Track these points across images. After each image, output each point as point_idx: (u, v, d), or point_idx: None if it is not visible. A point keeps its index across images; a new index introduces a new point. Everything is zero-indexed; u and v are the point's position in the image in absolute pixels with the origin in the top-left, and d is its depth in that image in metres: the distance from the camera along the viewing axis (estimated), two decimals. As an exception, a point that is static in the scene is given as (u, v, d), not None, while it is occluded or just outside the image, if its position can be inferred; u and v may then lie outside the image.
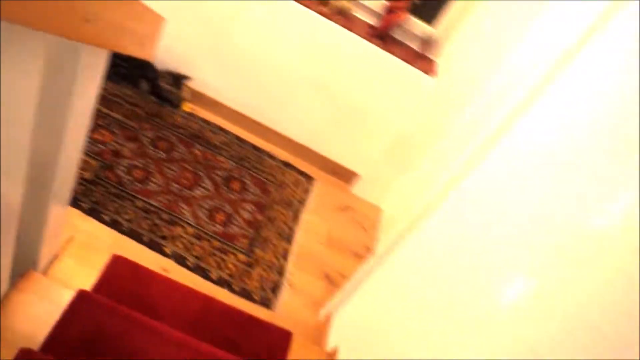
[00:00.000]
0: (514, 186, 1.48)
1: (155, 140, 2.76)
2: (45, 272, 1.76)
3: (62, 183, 1.53)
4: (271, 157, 3.08)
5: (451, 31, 2.81)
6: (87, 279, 1.86)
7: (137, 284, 1.93)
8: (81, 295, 1.62)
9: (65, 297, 1.61)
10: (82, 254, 1.96)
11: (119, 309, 1.66)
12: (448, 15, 2.80)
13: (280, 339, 2.08)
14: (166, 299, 1.95)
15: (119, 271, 1.93)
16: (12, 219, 1.25)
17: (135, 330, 1.61)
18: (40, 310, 1.56)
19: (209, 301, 2.04)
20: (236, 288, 2.36)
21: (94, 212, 2.30)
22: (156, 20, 1.34)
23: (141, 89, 2.94)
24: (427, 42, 2.83)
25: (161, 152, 2.71)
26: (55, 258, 1.84)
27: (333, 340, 2.25)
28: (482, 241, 1.50)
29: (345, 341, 2.14)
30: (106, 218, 2.31)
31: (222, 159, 2.87)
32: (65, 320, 1.52)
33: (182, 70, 2.99)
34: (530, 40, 2.30)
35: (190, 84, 3.03)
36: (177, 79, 2.95)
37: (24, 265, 1.62)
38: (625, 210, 1.00)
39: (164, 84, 2.92)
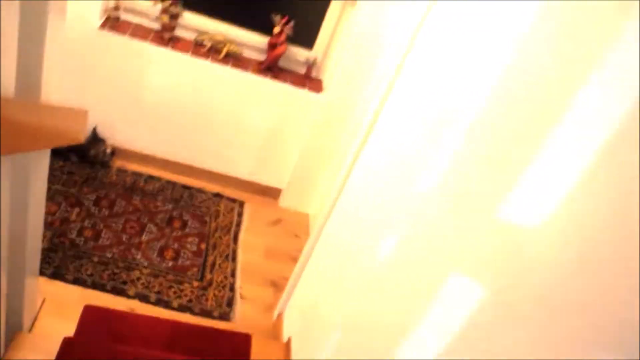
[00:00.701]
0: (385, 171, 1.91)
1: (96, 200, 3.08)
2: (30, 332, 2.09)
3: (32, 256, 1.88)
4: (201, 191, 3.45)
5: (327, 50, 3.26)
6: (67, 330, 2.18)
7: (111, 324, 2.27)
8: (67, 342, 1.95)
9: (54, 347, 1.94)
10: (56, 311, 2.29)
11: (102, 344, 2.00)
12: (321, 37, 3.24)
13: (242, 341, 2.45)
14: (138, 330, 2.29)
15: (93, 317, 2.26)
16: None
17: (120, 358, 1.96)
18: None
19: (175, 325, 2.40)
20: (196, 310, 2.71)
21: (57, 275, 2.61)
22: (83, 114, 1.71)
23: (72, 161, 3.26)
24: (310, 64, 3.27)
25: (104, 210, 3.04)
26: (35, 319, 2.17)
27: (287, 333, 2.63)
28: (371, 215, 1.92)
29: (296, 330, 2.53)
30: (69, 277, 2.63)
31: (159, 203, 3.23)
32: (61, 362, 1.86)
33: (102, 133, 3.33)
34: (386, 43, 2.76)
35: (115, 142, 3.37)
36: (99, 142, 3.28)
37: (13, 330, 1.94)
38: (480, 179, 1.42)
39: (91, 151, 3.24)
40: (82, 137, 1.77)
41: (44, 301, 2.27)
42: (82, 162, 3.27)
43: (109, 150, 3.32)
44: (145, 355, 2.02)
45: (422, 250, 1.47)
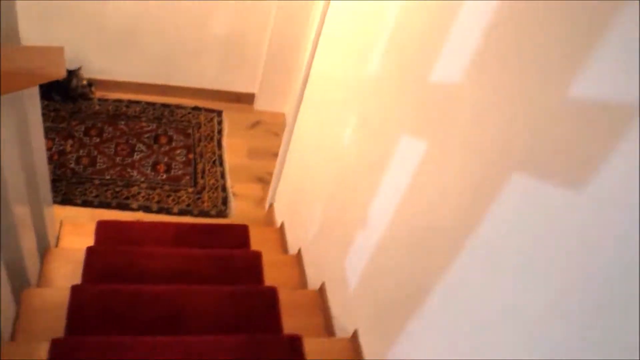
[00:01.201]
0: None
1: (86, 131, 3.34)
2: (56, 247, 2.41)
3: (44, 186, 2.17)
4: (180, 107, 3.69)
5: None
6: (86, 244, 2.50)
7: (123, 232, 2.59)
8: (91, 250, 2.27)
9: (80, 256, 2.26)
10: (74, 230, 2.60)
11: (120, 247, 2.33)
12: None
13: (241, 231, 2.78)
14: (147, 234, 2.61)
15: (107, 229, 2.58)
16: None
17: (137, 256, 2.29)
18: (68, 267, 2.21)
19: (179, 225, 2.72)
20: (195, 212, 3.04)
21: (67, 201, 2.91)
22: (60, 50, 1.94)
23: (55, 99, 3.48)
24: (262, -29, 3.43)
25: (95, 138, 3.30)
26: (58, 239, 2.48)
27: (279, 219, 2.97)
28: (333, 100, 2.20)
29: (287, 215, 2.86)
30: (78, 201, 2.93)
31: (143, 124, 3.48)
32: (88, 265, 2.18)
33: (74, 67, 3.52)
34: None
35: (91, 75, 3.58)
36: (77, 76, 3.49)
37: (42, 246, 2.25)
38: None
39: (71, 86, 3.45)
40: (63, 72, 2.00)
41: (61, 223, 2.58)
42: (65, 99, 3.49)
43: (85, 82, 3.53)
44: (158, 251, 2.35)
45: (376, 121, 1.76)
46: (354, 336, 1.78)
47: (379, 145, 1.71)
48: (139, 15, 3.40)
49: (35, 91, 1.91)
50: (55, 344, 1.59)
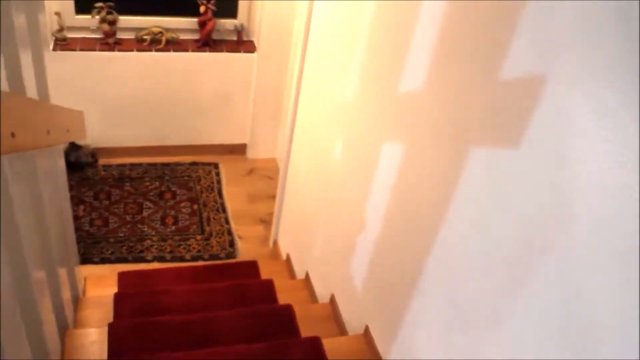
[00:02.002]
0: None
1: (95, 195, 3.58)
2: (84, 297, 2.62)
3: (73, 245, 2.40)
4: (179, 164, 3.95)
5: (250, 13, 3.75)
6: (111, 292, 2.70)
7: (144, 279, 2.80)
8: (118, 295, 2.48)
9: (107, 302, 2.47)
10: (97, 283, 2.81)
11: (143, 291, 2.54)
12: (241, 5, 3.71)
13: (250, 266, 3.00)
14: (165, 278, 2.83)
15: (128, 279, 2.79)
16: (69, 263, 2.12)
17: (160, 295, 2.50)
18: (99, 311, 2.41)
19: (193, 268, 2.94)
20: (206, 257, 3.26)
21: (86, 260, 3.12)
22: (79, 114, 2.20)
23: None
24: (239, 30, 3.75)
25: (105, 201, 3.54)
26: (84, 292, 2.69)
27: (284, 252, 3.19)
28: (321, 130, 2.46)
29: (290, 247, 3.09)
30: (96, 259, 3.14)
31: (147, 183, 3.73)
32: (117, 308, 2.39)
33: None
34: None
35: (94, 144, 3.84)
36: (78, 148, 3.75)
37: (74, 296, 2.46)
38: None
39: (73, 158, 3.70)
40: (85, 135, 2.27)
41: (85, 278, 2.79)
42: (72, 169, 3.74)
43: (89, 153, 3.79)
44: (179, 289, 2.56)
45: (358, 136, 2.02)
46: (366, 331, 1.99)
47: (364, 155, 1.96)
48: (135, 85, 3.69)
49: (61, 151, 2.16)
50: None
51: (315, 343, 1.94)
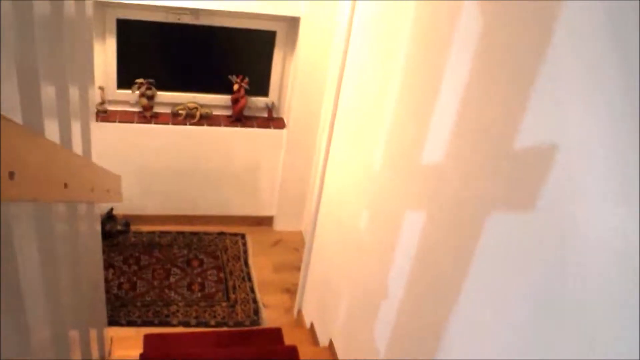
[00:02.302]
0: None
1: (124, 260, 3.68)
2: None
3: (103, 306, 2.49)
4: (207, 233, 4.05)
5: (280, 92, 3.94)
6: (137, 354, 2.75)
7: (169, 342, 2.85)
8: (143, 356, 2.53)
9: (134, 364, 2.52)
10: (122, 345, 2.86)
11: (169, 352, 2.59)
12: (273, 83, 3.92)
13: (275, 333, 3.04)
14: (190, 342, 2.87)
15: (153, 341, 2.84)
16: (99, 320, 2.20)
17: (186, 358, 2.54)
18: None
19: (218, 332, 2.99)
20: (231, 324, 3.30)
21: (113, 322, 3.18)
22: (117, 177, 2.33)
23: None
24: (270, 108, 3.94)
25: (133, 266, 3.64)
26: (110, 352, 2.74)
27: (308, 321, 3.23)
28: (346, 204, 2.56)
29: (314, 316, 3.13)
30: (123, 322, 3.21)
31: (175, 251, 3.83)
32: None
33: (108, 207, 3.93)
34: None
35: (124, 211, 3.98)
36: (113, 220, 3.89)
37: (101, 356, 2.52)
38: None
39: (108, 228, 3.84)
40: (121, 198, 2.39)
41: (112, 340, 2.85)
42: (104, 238, 3.86)
43: (122, 223, 3.92)
44: (205, 352, 2.60)
45: (382, 205, 2.11)
46: (388, 395, 2.01)
47: (388, 224, 2.04)
48: (169, 157, 3.86)
49: (99, 220, 2.27)
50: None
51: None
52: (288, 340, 2.96)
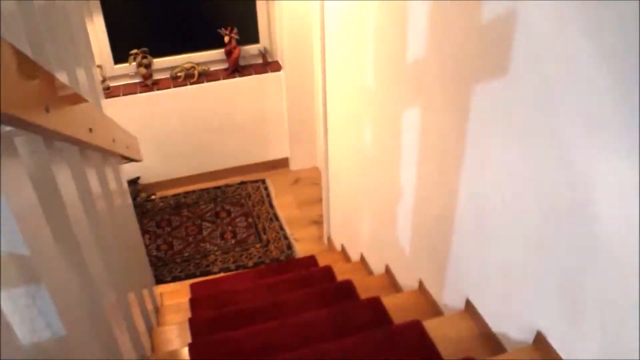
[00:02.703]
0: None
1: (157, 224, 3.85)
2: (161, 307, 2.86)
3: (148, 267, 2.66)
4: (229, 185, 4.21)
5: (270, 36, 4.02)
6: (185, 301, 2.94)
7: (214, 285, 3.03)
8: (192, 299, 2.71)
9: (184, 307, 2.70)
10: (171, 297, 3.05)
11: (216, 291, 2.77)
12: (261, 29, 3.99)
13: (310, 259, 3.21)
14: (234, 280, 3.05)
15: (199, 287, 3.03)
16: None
17: (231, 294, 2.71)
18: (177, 315, 2.64)
19: (257, 269, 3.16)
20: (267, 261, 3.48)
21: (159, 281, 3.37)
22: (135, 138, 2.46)
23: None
24: (263, 53, 4.02)
25: (166, 228, 3.81)
26: (161, 303, 2.93)
27: (338, 245, 3.39)
28: (350, 123, 2.67)
29: (344, 238, 3.28)
30: (168, 279, 3.39)
31: (202, 207, 3.99)
32: (194, 308, 2.61)
33: (135, 177, 4.09)
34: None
35: (149, 180, 4.14)
36: (136, 184, 4.05)
37: (154, 306, 2.70)
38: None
39: (136, 197, 4.01)
40: (140, 156, 2.53)
41: (161, 294, 3.04)
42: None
43: (144, 196, 4.09)
44: (248, 286, 2.78)
45: (381, 112, 2.23)
46: (420, 284, 2.16)
47: (389, 128, 2.16)
48: (177, 120, 3.99)
49: (128, 193, 2.43)
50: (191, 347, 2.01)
51: (375, 302, 2.12)
52: (323, 263, 3.12)
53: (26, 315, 1.00)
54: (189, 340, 2.21)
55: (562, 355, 1.31)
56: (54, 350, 1.01)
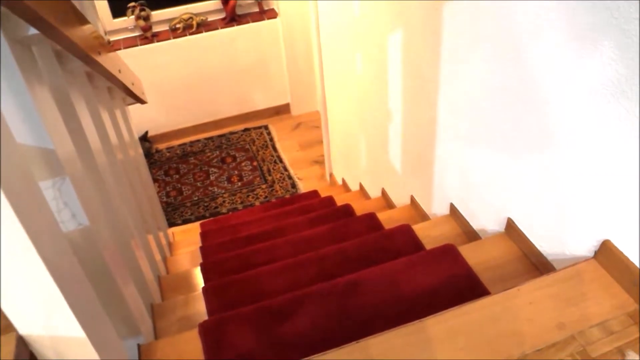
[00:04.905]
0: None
1: (165, 172, 4.03)
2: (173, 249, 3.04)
3: (160, 211, 2.83)
4: (233, 133, 4.36)
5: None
6: (196, 237, 3.12)
7: (222, 221, 3.21)
8: (203, 232, 2.89)
9: (197, 240, 2.87)
10: (184, 236, 3.23)
11: (222, 228, 2.94)
12: (258, -25, 4.09)
13: (313, 193, 3.37)
14: (242, 215, 3.23)
15: (208, 225, 3.20)
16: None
17: (241, 225, 2.89)
18: (189, 248, 2.82)
19: (264, 205, 3.33)
20: (273, 200, 3.65)
21: (171, 224, 3.56)
22: (139, 79, 2.61)
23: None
24: (260, 1, 4.12)
25: (175, 175, 3.99)
26: (172, 244, 3.12)
27: (340, 180, 3.55)
28: (341, 54, 2.80)
29: (344, 173, 3.44)
30: (179, 222, 3.58)
31: (208, 154, 4.16)
32: (204, 240, 2.79)
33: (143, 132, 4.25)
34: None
35: (155, 131, 4.29)
36: (147, 139, 4.22)
37: (168, 242, 2.89)
38: None
39: (145, 148, 4.17)
40: (145, 97, 2.68)
41: (174, 235, 3.22)
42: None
43: (146, 148, 4.26)
44: (257, 218, 2.95)
45: (371, 39, 2.35)
46: (412, 199, 2.32)
47: (376, 54, 2.29)
48: (179, 71, 4.12)
49: (139, 144, 2.58)
50: (203, 266, 2.19)
51: (371, 217, 2.28)
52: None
53: (54, 207, 1.17)
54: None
55: (529, 237, 1.47)
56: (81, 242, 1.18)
